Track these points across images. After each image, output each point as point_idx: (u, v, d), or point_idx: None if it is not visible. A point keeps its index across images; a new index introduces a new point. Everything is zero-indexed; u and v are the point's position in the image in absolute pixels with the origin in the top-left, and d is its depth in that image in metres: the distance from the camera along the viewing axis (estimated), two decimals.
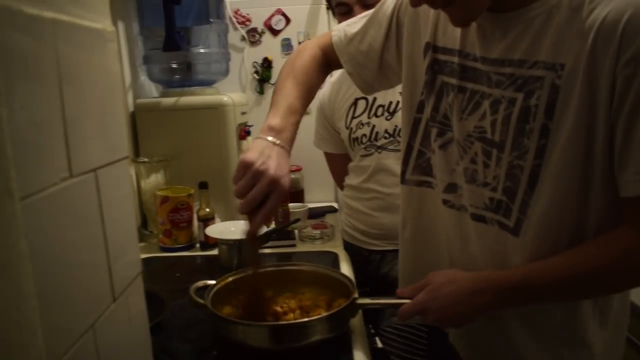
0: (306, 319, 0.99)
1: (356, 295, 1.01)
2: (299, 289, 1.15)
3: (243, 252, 1.38)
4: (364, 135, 1.58)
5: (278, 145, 0.90)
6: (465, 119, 0.89)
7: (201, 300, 1.02)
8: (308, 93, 1.02)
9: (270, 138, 0.90)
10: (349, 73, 1.10)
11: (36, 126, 0.47)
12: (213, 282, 1.09)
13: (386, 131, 1.55)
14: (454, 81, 0.90)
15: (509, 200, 0.84)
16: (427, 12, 0.95)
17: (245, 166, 0.86)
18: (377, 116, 1.56)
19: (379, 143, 1.56)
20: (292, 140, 0.94)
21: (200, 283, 1.09)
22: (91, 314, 0.56)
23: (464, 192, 0.92)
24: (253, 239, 0.92)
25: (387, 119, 1.55)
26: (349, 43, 1.07)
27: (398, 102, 1.52)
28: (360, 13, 1.43)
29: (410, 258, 1.10)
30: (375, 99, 1.57)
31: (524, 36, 0.79)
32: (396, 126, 1.52)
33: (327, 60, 1.09)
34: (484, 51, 0.84)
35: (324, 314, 0.98)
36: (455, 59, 0.89)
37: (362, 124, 1.58)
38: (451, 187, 0.94)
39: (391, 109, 1.54)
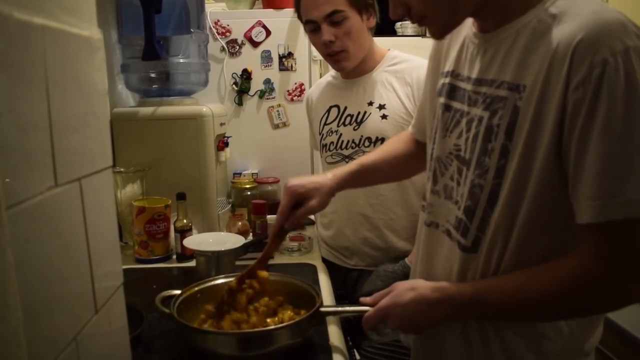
0: (271, 327, 1.03)
1: (321, 303, 1.03)
2: (267, 297, 1.15)
3: (221, 264, 1.37)
4: (332, 142, 1.59)
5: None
6: (448, 137, 0.91)
7: (167, 310, 1.02)
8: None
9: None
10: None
11: (23, 133, 0.46)
12: (178, 292, 1.10)
13: (353, 141, 1.55)
14: (442, 100, 0.93)
15: (468, 219, 0.84)
16: (441, 47, 0.99)
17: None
18: (345, 125, 1.57)
19: (346, 152, 1.56)
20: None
21: (166, 293, 1.10)
22: (74, 326, 0.55)
23: (441, 209, 0.92)
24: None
25: (354, 129, 1.55)
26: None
27: (365, 112, 1.53)
28: (327, 31, 1.44)
29: None
30: (346, 108, 1.58)
31: (497, 57, 0.81)
32: (362, 136, 1.53)
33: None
34: (469, 71, 0.88)
35: (289, 321, 1.02)
36: (448, 79, 0.93)
37: (332, 132, 1.59)
38: (430, 206, 0.95)
39: (359, 119, 1.55)
